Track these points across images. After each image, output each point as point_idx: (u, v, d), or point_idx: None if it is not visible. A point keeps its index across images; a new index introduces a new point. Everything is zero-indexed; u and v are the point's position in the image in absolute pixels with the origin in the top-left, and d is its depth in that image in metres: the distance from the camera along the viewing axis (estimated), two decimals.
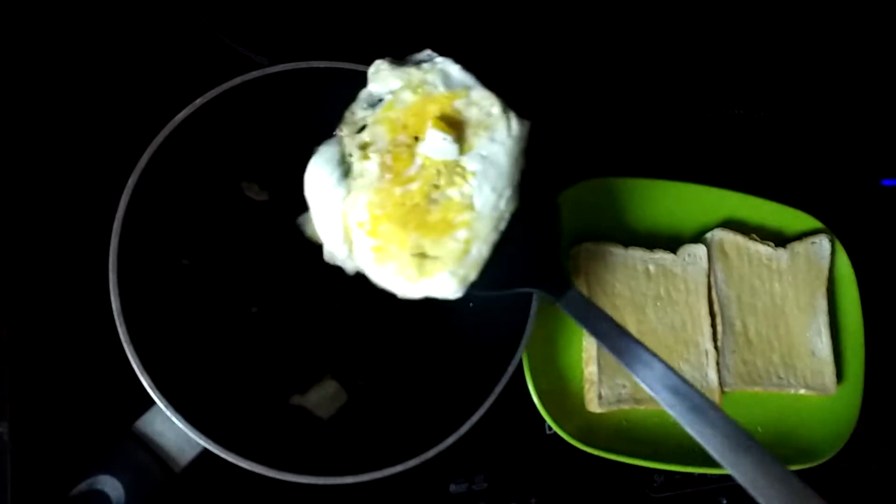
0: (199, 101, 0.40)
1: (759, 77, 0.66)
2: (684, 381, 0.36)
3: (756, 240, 0.57)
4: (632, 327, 0.53)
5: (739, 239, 0.57)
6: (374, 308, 0.51)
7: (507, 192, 0.39)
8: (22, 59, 0.47)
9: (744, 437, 0.34)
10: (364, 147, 0.38)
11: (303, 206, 0.48)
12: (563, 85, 0.60)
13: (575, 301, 0.40)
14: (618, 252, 0.54)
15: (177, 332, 0.42)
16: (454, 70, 0.39)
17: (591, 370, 0.52)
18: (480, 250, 0.39)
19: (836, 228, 0.61)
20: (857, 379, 0.59)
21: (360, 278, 0.44)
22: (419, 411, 0.45)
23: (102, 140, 0.48)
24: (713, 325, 0.55)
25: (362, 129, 0.39)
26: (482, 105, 0.39)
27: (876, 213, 0.68)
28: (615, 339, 0.39)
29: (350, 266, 0.41)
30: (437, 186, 0.38)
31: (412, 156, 0.38)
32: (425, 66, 0.39)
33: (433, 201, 0.38)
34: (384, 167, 0.38)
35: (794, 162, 0.66)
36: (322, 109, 0.44)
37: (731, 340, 0.55)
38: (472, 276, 0.39)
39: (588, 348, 0.53)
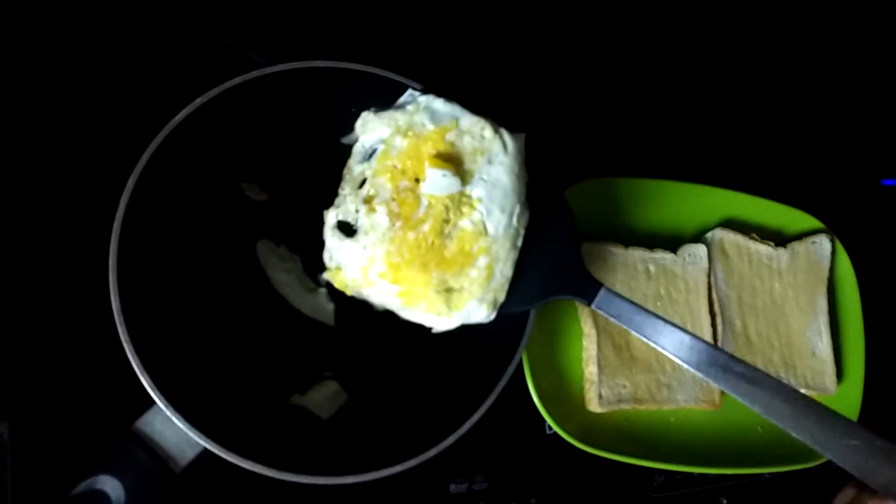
0: (198, 101, 0.40)
1: (759, 77, 0.66)
2: (735, 359, 0.37)
3: (756, 239, 0.57)
4: None
5: (740, 239, 0.57)
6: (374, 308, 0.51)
7: (517, 209, 0.39)
8: (21, 59, 0.47)
9: (797, 392, 0.36)
10: (369, 201, 0.39)
11: (302, 207, 0.48)
12: (563, 85, 0.60)
13: (607, 301, 0.40)
14: (618, 252, 0.54)
15: (177, 331, 0.42)
16: (438, 104, 0.40)
17: (591, 370, 0.52)
18: (503, 271, 0.39)
19: (837, 228, 0.60)
20: (857, 379, 0.59)
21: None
22: (419, 411, 0.45)
23: (102, 140, 0.48)
24: (713, 325, 0.55)
25: (363, 183, 0.39)
26: (474, 131, 0.39)
27: (876, 213, 0.68)
28: (655, 329, 0.39)
29: (379, 305, 0.41)
30: (447, 221, 0.38)
31: (417, 198, 0.38)
32: (409, 107, 0.40)
33: (447, 236, 0.38)
34: (392, 215, 0.38)
35: (794, 162, 0.66)
36: (322, 109, 0.45)
37: (731, 340, 0.55)
38: (501, 297, 0.40)
39: (588, 348, 0.53)
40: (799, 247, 0.59)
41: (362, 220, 0.39)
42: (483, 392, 0.42)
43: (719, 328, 0.55)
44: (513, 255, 0.40)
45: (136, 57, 0.50)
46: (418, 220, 0.38)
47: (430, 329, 0.44)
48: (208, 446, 0.38)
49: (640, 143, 0.62)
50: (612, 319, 0.40)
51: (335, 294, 0.50)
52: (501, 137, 0.39)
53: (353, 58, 0.43)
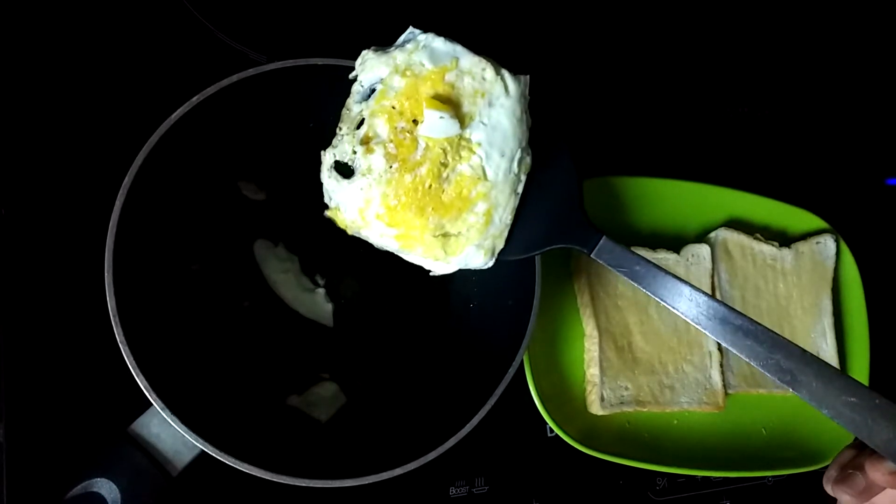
0: (195, 99, 0.40)
1: (763, 75, 0.66)
2: (734, 311, 0.37)
3: (760, 240, 0.57)
4: (634, 328, 0.53)
5: (743, 239, 0.56)
6: (374, 308, 0.50)
7: (518, 154, 0.39)
8: (14, 56, 0.47)
9: (796, 346, 0.36)
10: (366, 141, 0.38)
11: (300, 207, 0.48)
12: (565, 83, 0.60)
13: (608, 250, 0.40)
14: None
15: (174, 332, 0.42)
16: (438, 43, 0.38)
17: (592, 372, 0.52)
18: (503, 218, 0.39)
19: (841, 228, 0.60)
20: (862, 380, 0.58)
21: (357, 279, 0.44)
22: (419, 413, 0.45)
23: (97, 139, 0.47)
24: None
25: (360, 123, 0.39)
26: (474, 72, 0.38)
27: (881, 213, 0.68)
28: (655, 280, 0.39)
29: (378, 246, 0.41)
30: (445, 165, 0.38)
31: (415, 140, 0.37)
32: (409, 46, 0.38)
33: (445, 180, 0.38)
34: (389, 157, 0.37)
35: (798, 161, 0.66)
36: (320, 107, 0.44)
37: None
38: (500, 244, 0.40)
39: (590, 349, 0.52)
40: (803, 247, 0.58)
41: (359, 161, 0.38)
42: (484, 394, 0.41)
43: None
44: (513, 202, 0.39)
45: (132, 54, 0.49)
46: (416, 163, 0.37)
47: (429, 330, 0.44)
48: (205, 449, 0.37)
49: (643, 141, 0.61)
50: (612, 269, 0.40)
51: (334, 294, 0.50)
52: (503, 79, 0.38)
53: (352, 55, 0.42)
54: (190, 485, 0.43)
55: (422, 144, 0.37)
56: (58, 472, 0.40)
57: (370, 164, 0.37)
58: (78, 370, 0.44)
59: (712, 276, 0.55)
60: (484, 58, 0.38)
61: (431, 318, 0.50)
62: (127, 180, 0.38)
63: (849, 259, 0.60)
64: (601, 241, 0.40)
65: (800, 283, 0.57)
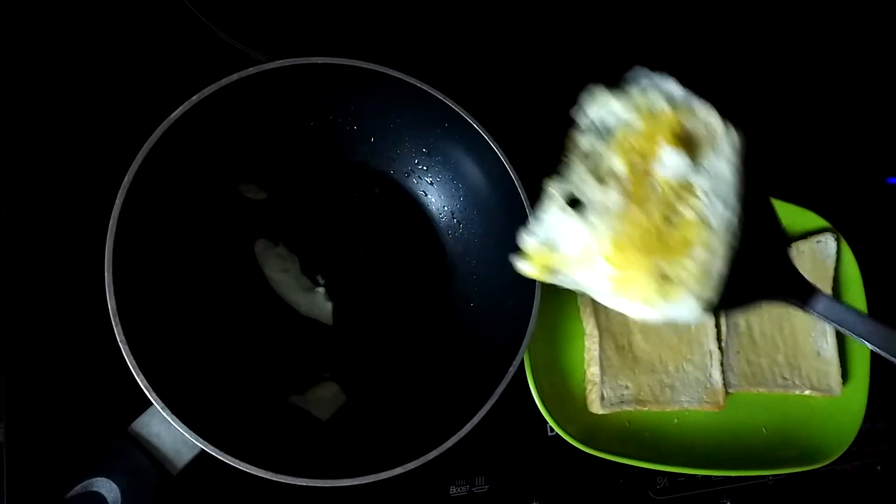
0: (195, 99, 0.40)
1: (764, 74, 0.66)
2: None
3: None
4: (634, 327, 0.53)
5: None
6: (375, 308, 0.50)
7: (736, 205, 0.39)
8: (14, 56, 0.47)
9: None
10: (602, 177, 0.38)
11: (301, 206, 0.48)
12: (563, 84, 0.60)
13: (830, 305, 0.39)
14: None
15: (174, 332, 0.42)
16: (673, 87, 0.39)
17: (593, 371, 0.52)
18: (719, 268, 0.38)
19: (842, 227, 0.60)
20: (862, 380, 0.59)
21: (357, 278, 0.44)
22: (419, 413, 0.45)
23: (97, 139, 0.47)
24: (717, 326, 0.55)
25: (593, 157, 0.39)
26: (702, 120, 0.39)
27: (882, 212, 0.68)
28: (884, 338, 0.37)
29: (579, 286, 0.39)
30: (672, 208, 0.37)
31: (649, 179, 0.37)
32: (642, 86, 0.39)
33: (671, 223, 0.37)
34: (625, 194, 0.37)
35: (799, 160, 0.66)
36: (321, 106, 0.44)
37: (736, 341, 0.55)
38: (713, 296, 0.38)
39: (590, 348, 0.52)
40: (804, 246, 0.58)
41: (594, 196, 0.38)
42: (484, 393, 0.41)
43: (723, 328, 0.55)
44: (728, 253, 0.38)
45: (132, 54, 0.49)
46: (648, 203, 0.37)
47: (430, 329, 0.44)
48: (205, 448, 0.37)
49: None
50: (834, 326, 0.39)
51: (333, 293, 0.50)
52: (729, 131, 0.39)
53: (352, 54, 0.42)
54: (190, 484, 0.42)
55: (655, 184, 0.37)
56: (58, 472, 0.40)
57: (603, 198, 0.37)
58: (78, 370, 0.44)
59: None
60: (712, 107, 0.39)
61: (432, 318, 0.50)
62: (127, 180, 0.38)
63: (849, 258, 0.60)
64: (821, 297, 0.39)
65: None
